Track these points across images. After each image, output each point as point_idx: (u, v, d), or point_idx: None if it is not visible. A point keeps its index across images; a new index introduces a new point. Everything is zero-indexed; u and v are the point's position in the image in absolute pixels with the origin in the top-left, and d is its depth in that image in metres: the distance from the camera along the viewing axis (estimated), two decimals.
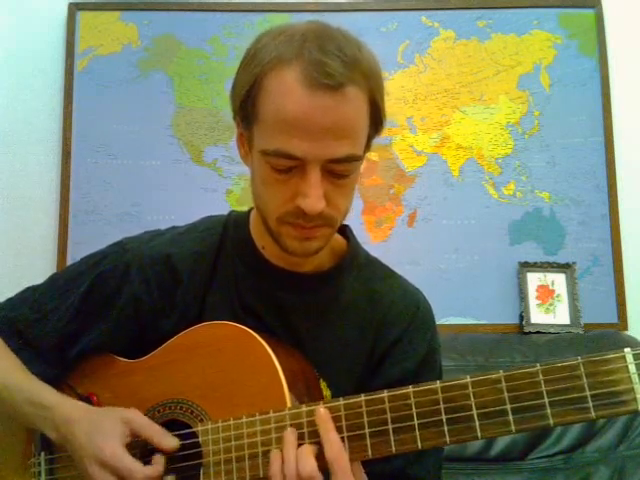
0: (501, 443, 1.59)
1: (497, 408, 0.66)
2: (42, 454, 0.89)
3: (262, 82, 0.75)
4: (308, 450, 0.70)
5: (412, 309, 0.92)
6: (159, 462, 0.78)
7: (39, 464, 0.89)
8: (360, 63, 0.75)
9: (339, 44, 0.74)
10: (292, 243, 0.80)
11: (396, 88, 1.99)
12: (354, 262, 0.93)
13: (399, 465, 0.84)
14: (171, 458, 0.81)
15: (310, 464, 0.69)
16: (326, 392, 0.85)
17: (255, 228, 0.91)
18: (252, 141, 0.79)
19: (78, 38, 2.05)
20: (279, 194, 0.77)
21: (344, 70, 0.72)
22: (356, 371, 0.88)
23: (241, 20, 2.06)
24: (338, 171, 0.76)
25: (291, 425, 0.73)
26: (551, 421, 0.64)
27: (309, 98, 0.72)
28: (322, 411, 0.71)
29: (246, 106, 0.77)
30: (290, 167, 0.75)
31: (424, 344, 0.91)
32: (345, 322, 0.89)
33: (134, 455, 0.78)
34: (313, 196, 0.74)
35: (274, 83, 0.74)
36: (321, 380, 0.86)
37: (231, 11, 2.06)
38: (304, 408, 0.73)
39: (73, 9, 2.06)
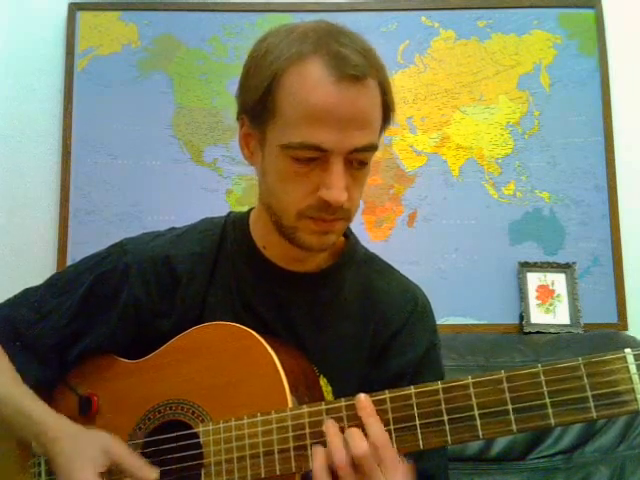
0: (501, 443, 1.59)
1: (499, 408, 0.66)
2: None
3: (281, 78, 0.75)
4: (356, 431, 0.69)
5: (410, 303, 0.92)
6: None
7: (39, 464, 0.89)
8: (373, 55, 0.78)
9: (352, 38, 0.77)
10: (310, 238, 0.80)
11: (396, 88, 1.97)
12: (352, 258, 0.94)
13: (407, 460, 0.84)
14: (172, 459, 0.81)
15: (364, 443, 0.68)
16: (327, 388, 0.86)
17: (256, 229, 0.91)
18: (265, 138, 0.79)
19: (78, 38, 2.05)
20: (300, 188, 0.77)
21: (363, 61, 0.75)
22: (357, 366, 0.88)
23: (241, 20, 2.06)
24: (359, 159, 0.78)
25: (292, 426, 0.73)
26: (552, 421, 0.64)
27: (336, 89, 0.73)
28: (362, 397, 0.71)
29: (263, 103, 0.77)
30: (312, 159, 0.76)
31: (424, 337, 0.91)
32: (345, 318, 0.90)
33: None
34: (338, 187, 0.75)
35: (296, 77, 0.75)
36: (322, 376, 0.86)
37: (231, 11, 2.06)
38: (305, 409, 0.73)
39: (73, 9, 2.06)
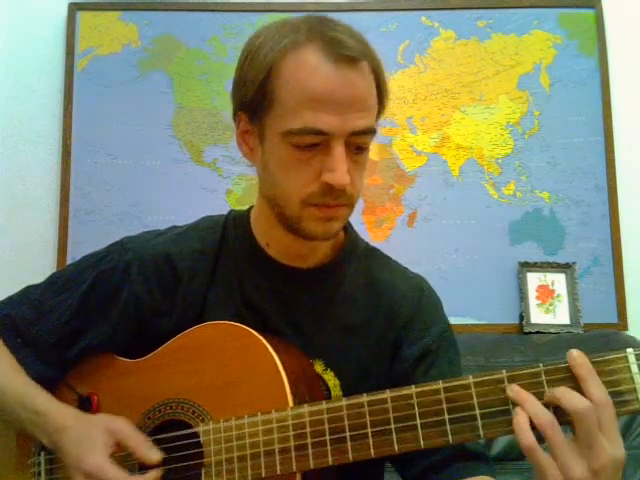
0: (501, 443, 1.59)
1: (500, 408, 0.66)
2: (42, 454, 0.89)
3: (278, 67, 0.76)
4: (567, 389, 0.63)
5: (416, 291, 0.93)
6: (152, 476, 0.78)
7: (39, 464, 0.89)
8: (364, 40, 0.79)
9: (344, 25, 0.79)
10: (315, 226, 0.81)
11: (396, 88, 1.99)
12: (353, 252, 0.94)
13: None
14: (172, 458, 0.81)
15: (583, 399, 0.62)
16: (335, 382, 0.86)
17: (258, 226, 0.91)
18: (265, 130, 0.80)
19: (78, 38, 2.05)
20: (302, 175, 0.78)
21: (358, 45, 0.76)
22: (364, 358, 0.88)
23: (241, 20, 2.06)
24: (359, 144, 0.79)
25: (293, 425, 0.73)
26: None
27: (334, 72, 0.74)
28: (575, 352, 0.65)
29: (260, 95, 0.78)
30: (314, 144, 0.76)
31: (438, 321, 0.92)
32: (349, 310, 0.90)
33: (128, 464, 0.79)
34: (341, 170, 0.76)
35: (293, 65, 0.76)
36: (329, 370, 0.86)
37: (231, 11, 2.07)
38: (306, 408, 0.73)
39: (73, 9, 2.06)
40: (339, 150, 0.76)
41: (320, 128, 0.75)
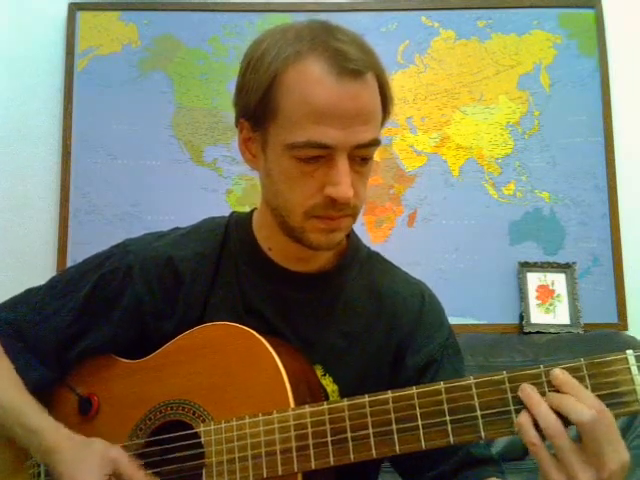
0: (501, 443, 1.59)
1: (501, 409, 0.66)
2: None
3: (281, 78, 0.76)
4: (572, 398, 0.63)
5: (418, 297, 0.93)
6: None
7: (38, 465, 0.89)
8: (368, 49, 0.78)
9: (346, 33, 0.77)
10: (317, 237, 0.81)
11: (396, 88, 1.99)
12: (355, 258, 0.94)
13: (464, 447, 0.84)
14: (173, 459, 0.81)
15: (587, 409, 0.62)
16: (333, 387, 0.86)
17: (260, 231, 0.91)
18: (267, 140, 0.79)
19: (78, 38, 2.05)
20: (305, 187, 0.78)
21: (362, 56, 0.75)
22: (363, 364, 0.88)
23: (241, 20, 2.06)
24: (363, 156, 0.78)
25: (294, 425, 0.73)
26: None
27: (338, 85, 0.74)
28: (558, 371, 0.65)
29: (263, 105, 0.77)
30: (317, 157, 0.76)
31: (440, 328, 0.92)
32: (349, 317, 0.90)
33: None
34: (345, 183, 0.75)
35: (296, 76, 0.75)
36: (327, 375, 0.86)
37: (231, 11, 2.07)
38: (307, 408, 0.73)
39: (73, 9, 2.06)
40: (343, 163, 0.76)
41: (324, 142, 0.74)
